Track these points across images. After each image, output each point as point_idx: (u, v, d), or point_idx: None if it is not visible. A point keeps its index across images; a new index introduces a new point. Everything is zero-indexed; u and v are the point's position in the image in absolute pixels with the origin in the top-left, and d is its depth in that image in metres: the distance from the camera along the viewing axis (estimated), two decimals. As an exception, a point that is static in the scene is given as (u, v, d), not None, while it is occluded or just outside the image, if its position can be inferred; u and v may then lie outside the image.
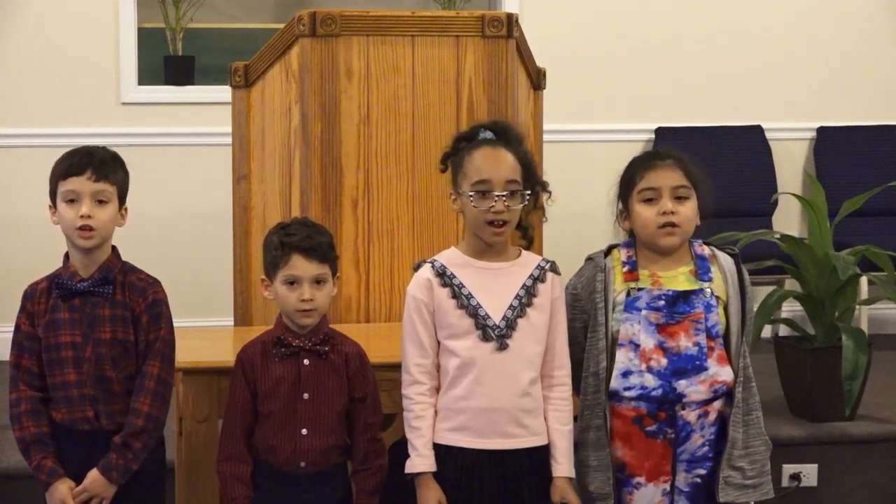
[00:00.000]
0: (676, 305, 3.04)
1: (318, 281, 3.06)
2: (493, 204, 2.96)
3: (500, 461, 2.98)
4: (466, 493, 2.98)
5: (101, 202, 3.07)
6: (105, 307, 3.09)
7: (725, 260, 3.13)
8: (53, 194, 3.10)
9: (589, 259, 3.17)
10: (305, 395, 3.07)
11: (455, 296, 3.01)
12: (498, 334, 2.99)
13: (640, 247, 3.12)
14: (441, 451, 3.00)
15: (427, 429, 3.01)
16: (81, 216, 3.04)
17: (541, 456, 3.02)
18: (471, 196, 2.98)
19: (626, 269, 3.10)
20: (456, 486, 2.98)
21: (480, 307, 3.00)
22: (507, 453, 2.99)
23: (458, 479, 2.98)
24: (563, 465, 3.04)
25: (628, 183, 3.10)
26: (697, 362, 3.03)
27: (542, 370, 3.06)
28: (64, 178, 3.06)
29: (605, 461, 3.05)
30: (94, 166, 3.06)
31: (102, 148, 3.14)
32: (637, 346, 3.04)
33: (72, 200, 3.06)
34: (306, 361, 3.08)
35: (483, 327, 2.99)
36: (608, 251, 3.16)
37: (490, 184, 2.97)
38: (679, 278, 3.08)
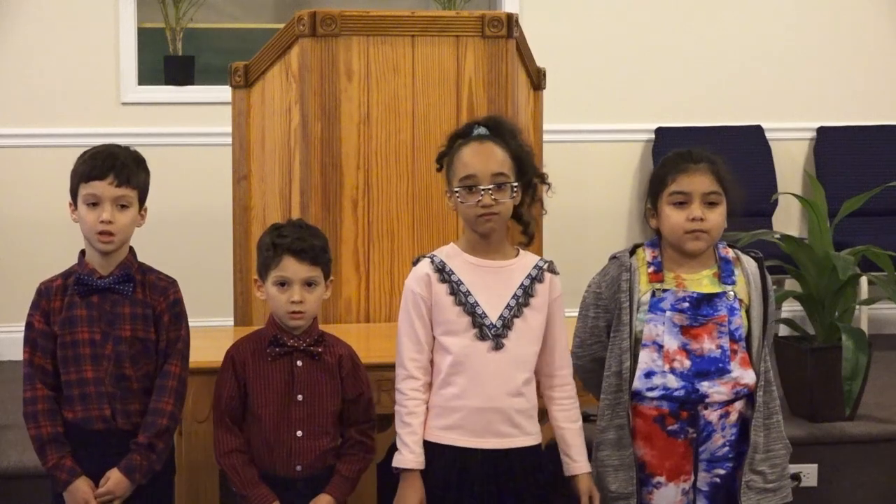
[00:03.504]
0: (700, 308, 3.04)
1: (309, 283, 3.06)
2: (480, 198, 2.96)
3: (492, 460, 2.98)
4: (458, 491, 2.97)
5: (122, 206, 3.06)
6: (125, 305, 3.08)
7: (749, 263, 3.13)
8: (74, 193, 3.08)
9: (613, 258, 3.15)
10: (299, 397, 3.06)
11: (453, 292, 3.00)
12: (494, 333, 2.99)
13: (666, 247, 3.10)
14: (433, 450, 3.00)
15: (418, 426, 3.00)
16: (102, 221, 3.03)
17: (533, 456, 3.02)
18: (457, 191, 2.99)
19: (651, 269, 3.09)
20: (447, 485, 2.98)
21: (478, 305, 2.99)
22: (500, 453, 2.98)
23: (450, 477, 2.97)
24: (580, 464, 3.05)
25: (659, 183, 3.08)
26: (720, 365, 3.03)
27: (545, 370, 3.06)
28: (86, 181, 3.04)
29: (627, 461, 3.04)
30: (117, 171, 3.04)
31: (125, 149, 3.12)
32: (661, 346, 3.03)
33: (93, 204, 3.05)
34: (299, 363, 3.07)
35: (480, 326, 2.99)
36: (633, 250, 3.15)
37: (476, 178, 2.97)
38: (703, 281, 3.08)
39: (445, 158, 3.06)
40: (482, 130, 3.03)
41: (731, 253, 3.14)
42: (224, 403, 3.07)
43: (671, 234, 3.06)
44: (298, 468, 3.05)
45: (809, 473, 4.29)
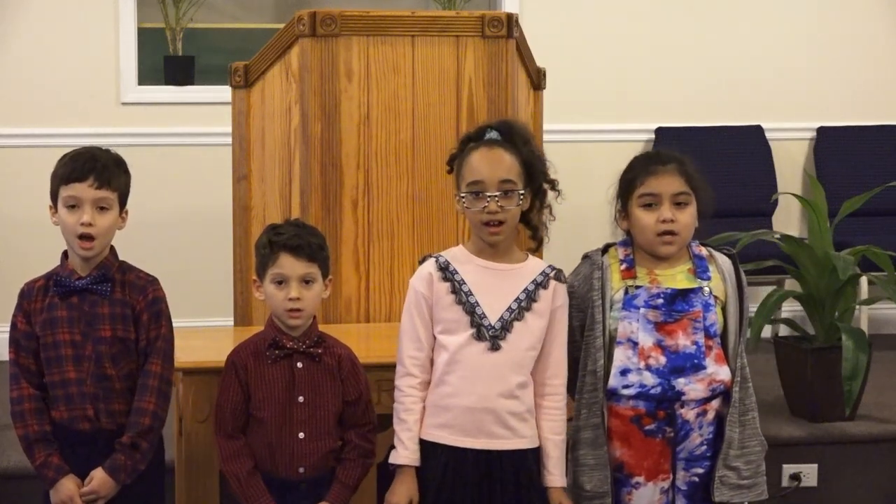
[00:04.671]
0: (675, 304, 3.05)
1: (307, 281, 3.05)
2: (486, 204, 2.96)
3: (483, 461, 2.98)
4: (449, 490, 2.98)
5: (102, 209, 3.06)
6: (104, 305, 3.09)
7: (723, 260, 3.13)
8: (54, 196, 3.09)
9: (586, 257, 3.17)
10: (300, 399, 3.06)
11: (454, 291, 3.01)
12: (492, 334, 2.99)
13: (638, 246, 3.12)
14: (426, 447, 3.01)
15: (414, 423, 3.01)
16: (82, 224, 3.03)
17: (525, 460, 3.02)
18: (463, 197, 2.99)
19: (623, 266, 3.10)
20: (439, 483, 2.98)
21: (478, 305, 3.00)
22: (492, 454, 2.98)
23: (441, 475, 2.98)
24: (556, 476, 3.04)
25: (628, 185, 3.10)
26: (696, 361, 3.03)
27: (538, 377, 3.05)
28: (66, 183, 3.05)
29: (602, 460, 3.05)
30: (97, 172, 3.04)
31: (106, 151, 3.12)
32: (635, 344, 3.04)
33: (73, 206, 3.05)
34: (300, 364, 3.07)
35: (478, 326, 2.99)
36: (605, 249, 3.16)
37: (483, 184, 2.97)
38: (677, 276, 3.08)
39: (456, 161, 3.06)
40: (494, 135, 3.03)
41: (704, 251, 3.15)
42: (229, 409, 3.06)
43: (642, 235, 3.08)
44: (301, 470, 3.05)
45: (809, 473, 4.29)
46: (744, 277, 3.14)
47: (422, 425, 3.02)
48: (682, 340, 3.04)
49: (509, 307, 3.01)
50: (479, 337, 2.99)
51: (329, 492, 3.06)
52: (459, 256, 3.05)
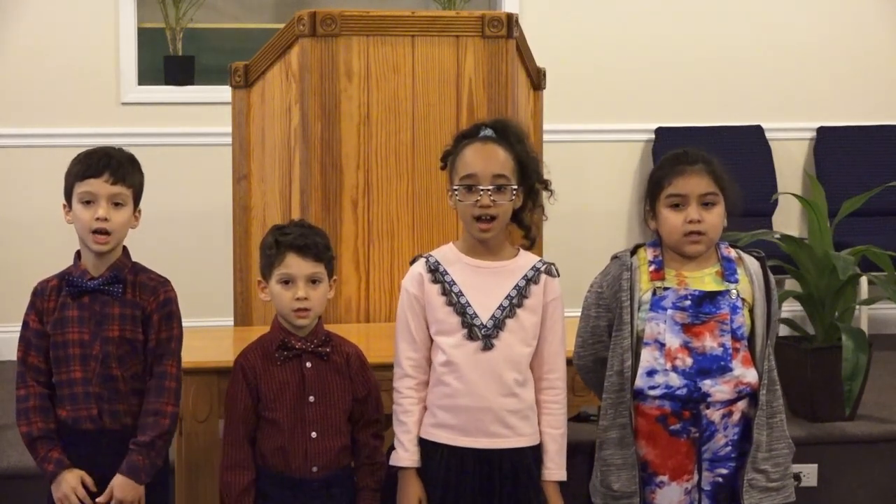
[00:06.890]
0: (702, 306, 3.04)
1: (314, 280, 3.06)
2: (479, 198, 2.97)
3: (484, 460, 2.99)
4: (451, 490, 2.98)
5: (117, 205, 3.06)
6: (115, 306, 3.09)
7: (752, 263, 3.13)
8: (69, 194, 3.09)
9: (615, 258, 3.16)
10: (311, 398, 3.07)
11: (445, 292, 3.01)
12: (484, 334, 2.99)
13: (667, 247, 3.11)
14: (426, 447, 3.02)
15: (414, 424, 3.02)
16: (97, 219, 3.04)
17: (524, 457, 3.02)
18: (456, 190, 3.00)
19: (652, 268, 3.09)
20: (439, 483, 2.99)
21: (469, 305, 3.00)
22: (492, 453, 2.99)
23: (442, 475, 2.99)
24: (551, 470, 3.05)
25: (656, 185, 3.09)
26: (722, 363, 3.03)
27: (535, 372, 3.06)
28: (81, 180, 3.06)
29: (630, 460, 3.05)
30: (112, 169, 3.05)
31: (119, 149, 3.14)
32: (662, 345, 3.03)
33: (88, 202, 3.05)
34: (308, 364, 3.08)
35: (469, 326, 2.99)
36: (634, 250, 3.15)
37: (476, 178, 2.98)
38: (705, 279, 3.08)
39: (449, 158, 3.07)
40: (488, 132, 3.04)
41: (732, 252, 3.14)
42: (238, 415, 3.07)
43: (669, 236, 3.07)
44: (314, 469, 3.06)
45: (809, 473, 4.29)
46: (772, 280, 3.13)
47: (422, 425, 3.03)
48: (709, 342, 3.03)
49: (501, 305, 3.01)
50: (470, 337, 2.99)
51: (358, 501, 3.09)
52: (449, 256, 3.06)
